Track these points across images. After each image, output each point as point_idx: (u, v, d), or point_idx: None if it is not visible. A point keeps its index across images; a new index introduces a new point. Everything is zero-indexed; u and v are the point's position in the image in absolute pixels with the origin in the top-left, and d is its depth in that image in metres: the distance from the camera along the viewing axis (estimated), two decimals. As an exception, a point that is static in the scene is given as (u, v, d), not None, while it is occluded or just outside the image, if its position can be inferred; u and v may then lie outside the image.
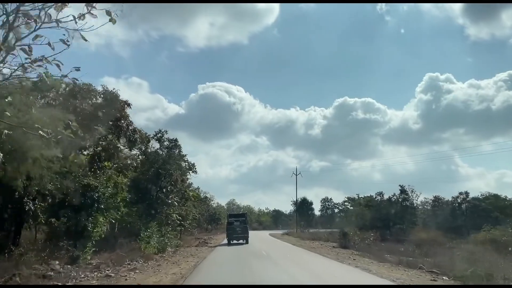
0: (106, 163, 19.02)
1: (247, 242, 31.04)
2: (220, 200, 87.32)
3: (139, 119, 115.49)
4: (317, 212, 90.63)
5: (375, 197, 53.35)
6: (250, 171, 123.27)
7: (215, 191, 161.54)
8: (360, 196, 58.22)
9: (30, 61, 5.54)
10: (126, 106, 20.97)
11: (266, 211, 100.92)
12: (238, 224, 31.29)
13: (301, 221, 69.49)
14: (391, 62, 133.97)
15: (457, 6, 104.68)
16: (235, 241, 31.31)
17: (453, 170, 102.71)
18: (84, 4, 5.29)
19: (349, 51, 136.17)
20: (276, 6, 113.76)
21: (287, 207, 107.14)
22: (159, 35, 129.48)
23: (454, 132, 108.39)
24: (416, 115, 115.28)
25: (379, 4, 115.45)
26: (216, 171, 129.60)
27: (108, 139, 18.39)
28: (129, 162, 23.82)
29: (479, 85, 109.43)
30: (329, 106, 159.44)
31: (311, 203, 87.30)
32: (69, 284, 11.70)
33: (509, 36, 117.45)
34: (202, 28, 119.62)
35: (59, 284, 11.44)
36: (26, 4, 5.32)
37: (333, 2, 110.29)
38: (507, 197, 51.69)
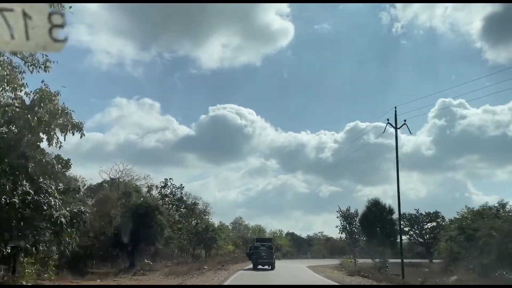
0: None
1: (272, 268, 31.31)
2: (225, 219, 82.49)
3: (149, 141, 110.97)
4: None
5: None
6: (258, 195, 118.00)
7: (222, 215, 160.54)
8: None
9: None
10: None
11: (280, 232, 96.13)
12: (264, 249, 31.71)
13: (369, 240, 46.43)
14: (405, 86, 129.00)
15: (475, 30, 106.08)
16: (260, 266, 31.76)
17: (466, 197, 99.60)
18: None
19: (363, 75, 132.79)
20: (291, 27, 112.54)
21: (300, 231, 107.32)
22: (172, 56, 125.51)
23: (468, 159, 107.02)
24: (428, 140, 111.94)
25: (395, 26, 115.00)
26: (224, 194, 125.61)
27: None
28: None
29: (494, 111, 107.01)
30: (341, 130, 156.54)
31: (390, 210, 52.44)
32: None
33: None
34: (215, 50, 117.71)
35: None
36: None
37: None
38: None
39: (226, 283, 22.28)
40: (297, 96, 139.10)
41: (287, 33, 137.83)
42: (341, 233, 52.32)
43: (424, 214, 77.32)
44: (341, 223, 47.36)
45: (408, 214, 76.40)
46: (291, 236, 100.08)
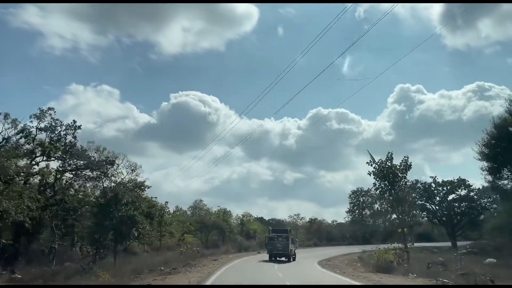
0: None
1: (289, 260, 29.90)
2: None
3: (108, 130, 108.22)
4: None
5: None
6: (222, 183, 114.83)
7: (186, 204, 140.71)
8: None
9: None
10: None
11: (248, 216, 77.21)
12: (280, 240, 30.10)
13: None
14: (365, 72, 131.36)
15: (435, 15, 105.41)
16: (277, 258, 30.21)
17: (424, 180, 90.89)
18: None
19: (325, 61, 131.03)
20: (255, 11, 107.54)
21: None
22: (131, 41, 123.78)
23: (425, 143, 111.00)
24: (388, 125, 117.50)
25: (358, 10, 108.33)
26: (187, 183, 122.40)
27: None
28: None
29: (450, 96, 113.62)
30: (303, 117, 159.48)
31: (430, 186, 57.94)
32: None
33: (484, 46, 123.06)
34: (177, 34, 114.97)
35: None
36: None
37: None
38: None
39: None
40: (261, 83, 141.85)
41: (252, 17, 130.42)
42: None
43: (442, 182, 57.58)
44: (376, 182, 25.40)
45: (423, 182, 57.44)
46: (260, 220, 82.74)
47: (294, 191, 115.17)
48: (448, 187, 57.88)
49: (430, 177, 60.36)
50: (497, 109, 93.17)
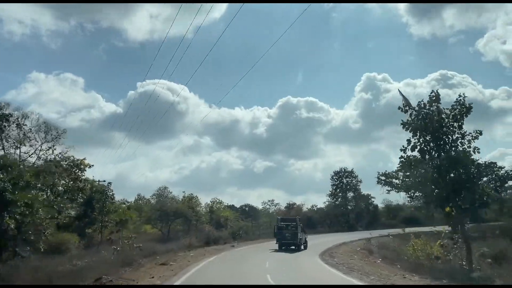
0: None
1: (298, 249, 28.91)
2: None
3: (72, 120, 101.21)
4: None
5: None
6: (192, 173, 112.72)
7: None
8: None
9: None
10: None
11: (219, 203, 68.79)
12: (288, 229, 29.73)
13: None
14: (334, 61, 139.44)
15: (402, 4, 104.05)
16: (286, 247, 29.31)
17: (389, 167, 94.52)
18: None
19: (294, 49, 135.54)
20: None
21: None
22: (95, 27, 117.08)
23: (390, 130, 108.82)
24: (356, 114, 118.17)
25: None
26: (156, 174, 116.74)
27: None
28: None
29: (415, 84, 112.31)
30: (273, 106, 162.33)
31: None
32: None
33: (449, 35, 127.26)
34: (143, 21, 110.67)
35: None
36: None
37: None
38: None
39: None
40: (230, 71, 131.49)
41: (220, 4, 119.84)
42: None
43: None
44: (412, 138, 16.22)
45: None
46: (231, 208, 72.66)
47: (264, 179, 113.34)
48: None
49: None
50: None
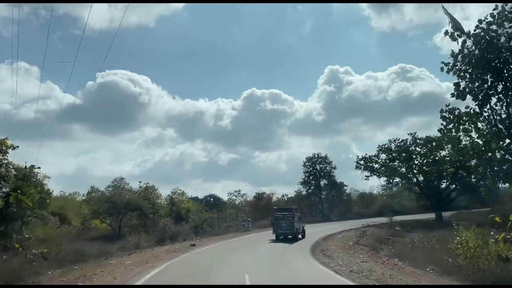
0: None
1: (296, 238, 28.13)
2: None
3: (27, 111, 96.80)
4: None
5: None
6: (155, 166, 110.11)
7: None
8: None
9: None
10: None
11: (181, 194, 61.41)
12: (285, 219, 28.96)
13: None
14: (298, 53, 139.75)
15: None
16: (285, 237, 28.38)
17: (350, 158, 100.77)
18: None
19: (259, 42, 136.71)
20: None
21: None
22: (50, 14, 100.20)
23: (353, 122, 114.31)
24: (319, 106, 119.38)
25: None
26: (118, 167, 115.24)
27: None
28: None
29: (376, 77, 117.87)
30: (238, 98, 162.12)
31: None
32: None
33: (408, 29, 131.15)
34: (102, 8, 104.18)
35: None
36: None
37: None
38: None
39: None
40: (194, 63, 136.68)
41: None
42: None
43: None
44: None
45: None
46: (196, 200, 66.61)
47: (229, 171, 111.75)
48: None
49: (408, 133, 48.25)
50: (417, 89, 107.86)
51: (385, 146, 48.98)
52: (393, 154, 48.07)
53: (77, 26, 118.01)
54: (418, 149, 46.91)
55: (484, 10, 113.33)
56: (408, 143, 47.09)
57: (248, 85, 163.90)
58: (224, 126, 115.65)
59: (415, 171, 47.35)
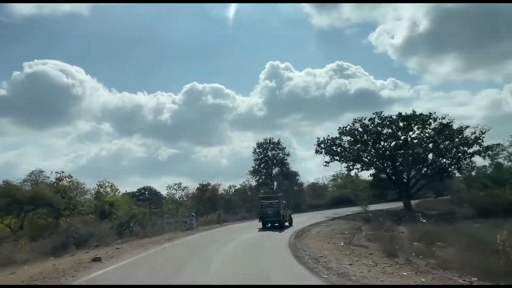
0: None
1: (282, 226, 27.35)
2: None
3: None
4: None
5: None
6: (90, 162, 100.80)
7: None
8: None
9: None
10: None
11: (114, 190, 50.30)
12: (270, 207, 28.40)
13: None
14: (240, 48, 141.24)
15: None
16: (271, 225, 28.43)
17: (291, 152, 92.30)
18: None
19: (200, 35, 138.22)
20: None
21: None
22: None
23: (293, 118, 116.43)
24: (261, 101, 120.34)
25: None
26: (49, 163, 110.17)
27: None
28: None
29: (315, 73, 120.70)
30: (178, 91, 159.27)
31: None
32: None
33: (345, 27, 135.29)
34: None
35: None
36: None
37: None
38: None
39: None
40: (132, 54, 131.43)
41: None
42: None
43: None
44: None
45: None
46: (131, 195, 58.06)
47: (169, 167, 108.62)
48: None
49: (373, 113, 42.61)
50: (354, 86, 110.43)
51: (347, 128, 43.06)
52: (358, 136, 42.23)
53: (2, 12, 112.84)
54: (386, 130, 41.49)
55: (414, 12, 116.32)
56: (375, 122, 41.46)
57: (189, 78, 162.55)
58: (164, 120, 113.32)
59: (382, 155, 41.90)
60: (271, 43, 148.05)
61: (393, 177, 42.73)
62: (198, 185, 58.95)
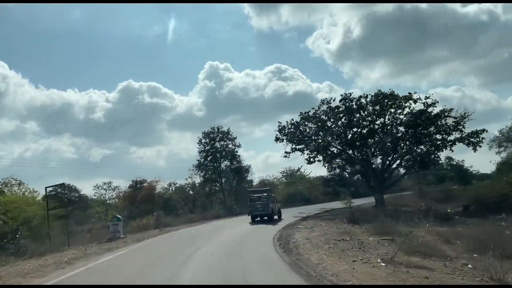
0: None
1: (271, 219, 27.48)
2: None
3: None
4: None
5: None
6: (14, 164, 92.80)
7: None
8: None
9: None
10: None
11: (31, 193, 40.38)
12: (260, 200, 28.55)
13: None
14: (179, 47, 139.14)
15: None
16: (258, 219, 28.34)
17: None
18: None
19: (137, 32, 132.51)
20: None
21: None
22: None
23: (233, 118, 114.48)
24: (200, 101, 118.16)
25: None
26: None
27: None
28: None
29: (254, 75, 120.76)
30: (113, 90, 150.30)
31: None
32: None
33: (284, 30, 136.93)
34: None
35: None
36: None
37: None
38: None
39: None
40: (62, 49, 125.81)
41: None
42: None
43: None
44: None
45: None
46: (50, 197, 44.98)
47: (102, 169, 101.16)
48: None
49: (341, 95, 36.52)
50: (292, 89, 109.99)
51: (309, 112, 36.66)
52: (325, 117, 35.91)
53: None
54: (357, 114, 35.58)
55: (348, 19, 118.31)
56: (347, 104, 35.34)
57: (124, 76, 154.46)
58: (97, 119, 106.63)
59: (352, 144, 35.91)
60: (210, 43, 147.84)
61: (364, 169, 36.96)
62: (131, 182, 49.23)
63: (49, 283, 9.47)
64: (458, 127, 33.31)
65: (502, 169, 44.62)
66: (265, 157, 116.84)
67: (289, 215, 29.76)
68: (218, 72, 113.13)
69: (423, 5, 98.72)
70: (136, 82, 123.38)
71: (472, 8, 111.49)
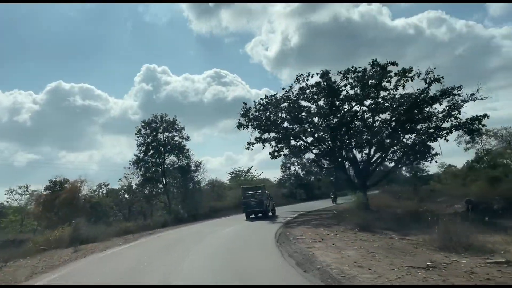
0: None
1: (265, 216, 28.26)
2: None
3: None
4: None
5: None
6: None
7: None
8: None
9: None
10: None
11: None
12: (254, 197, 28.63)
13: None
14: (114, 48, 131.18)
15: None
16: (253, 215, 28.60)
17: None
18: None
19: (69, 31, 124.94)
20: None
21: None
22: None
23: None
24: (136, 104, 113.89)
25: None
26: None
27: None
28: None
29: (193, 79, 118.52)
30: (40, 90, 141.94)
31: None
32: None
33: (224, 35, 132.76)
34: None
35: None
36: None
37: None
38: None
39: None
40: None
41: None
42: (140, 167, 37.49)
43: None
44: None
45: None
46: None
47: (27, 174, 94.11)
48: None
49: (320, 71, 29.91)
50: (231, 94, 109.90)
51: (277, 95, 29.78)
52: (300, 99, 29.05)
53: None
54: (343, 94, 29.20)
55: (286, 27, 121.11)
56: (327, 82, 28.73)
57: (53, 77, 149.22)
58: (22, 122, 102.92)
59: (333, 130, 29.48)
60: (147, 45, 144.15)
61: (344, 161, 30.65)
62: (49, 183, 38.78)
63: None
64: (452, 113, 28.23)
65: (474, 167, 41.27)
66: (205, 162, 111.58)
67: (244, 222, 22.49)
68: (155, 75, 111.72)
69: (356, 18, 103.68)
70: (66, 83, 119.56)
71: (399, 22, 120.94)
